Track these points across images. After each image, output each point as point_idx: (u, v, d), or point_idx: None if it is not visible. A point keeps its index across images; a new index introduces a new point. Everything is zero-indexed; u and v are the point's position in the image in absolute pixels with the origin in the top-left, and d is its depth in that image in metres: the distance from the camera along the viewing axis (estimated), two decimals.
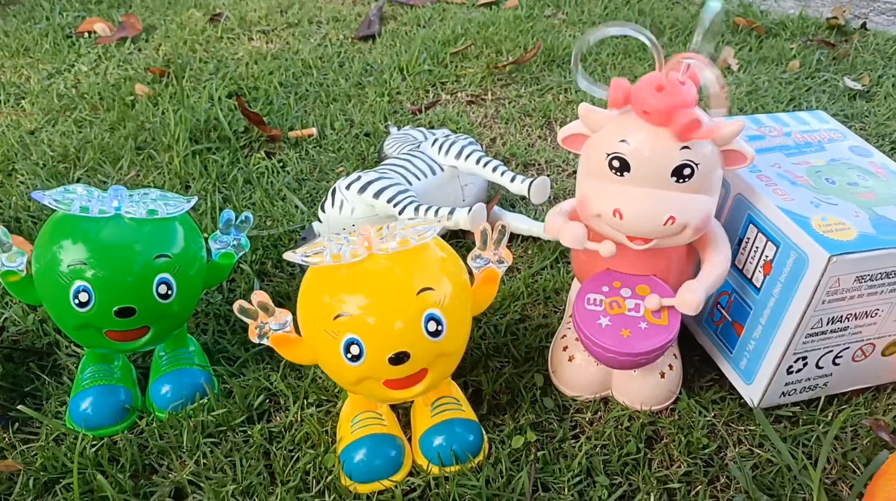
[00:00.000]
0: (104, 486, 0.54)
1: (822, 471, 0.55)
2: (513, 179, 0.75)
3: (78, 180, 0.93)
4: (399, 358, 0.49)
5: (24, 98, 1.13)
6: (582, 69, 0.52)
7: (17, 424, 0.60)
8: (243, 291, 0.74)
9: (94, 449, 0.57)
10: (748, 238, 0.58)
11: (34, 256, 0.56)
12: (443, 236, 0.72)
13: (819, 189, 0.57)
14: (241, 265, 0.77)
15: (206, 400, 0.61)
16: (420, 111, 1.10)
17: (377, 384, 0.51)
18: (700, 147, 0.51)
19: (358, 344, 0.49)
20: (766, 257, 0.56)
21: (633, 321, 0.56)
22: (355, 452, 0.54)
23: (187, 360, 0.62)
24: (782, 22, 1.41)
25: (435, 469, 0.55)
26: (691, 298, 0.54)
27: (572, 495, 0.54)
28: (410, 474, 0.55)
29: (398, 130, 0.96)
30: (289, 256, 0.49)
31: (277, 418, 0.61)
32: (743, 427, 0.60)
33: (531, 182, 0.74)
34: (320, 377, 0.64)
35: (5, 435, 0.59)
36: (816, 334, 0.55)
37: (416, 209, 0.71)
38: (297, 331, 0.53)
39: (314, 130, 1.03)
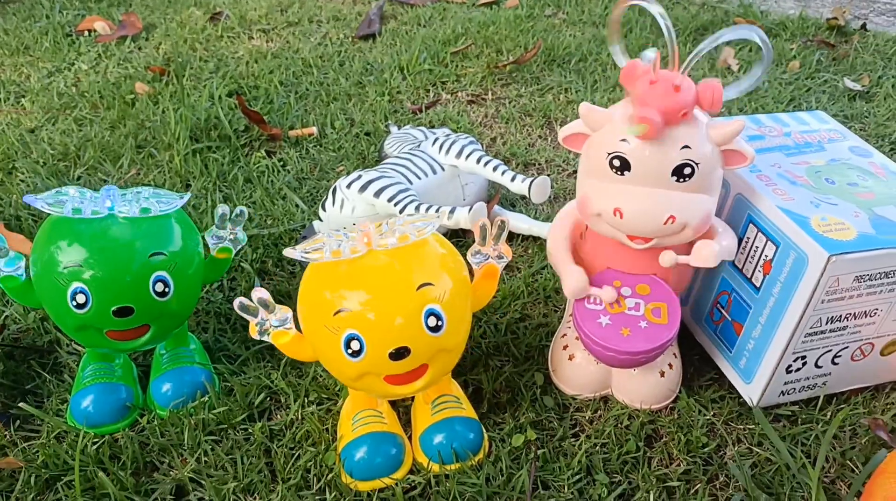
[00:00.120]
0: (105, 483, 0.54)
1: (821, 470, 0.55)
2: (513, 179, 0.76)
3: (78, 179, 0.93)
4: (399, 353, 0.49)
5: (24, 96, 1.14)
6: (619, 32, 0.52)
7: (18, 421, 0.60)
8: (244, 289, 0.74)
9: (95, 447, 0.57)
10: (748, 238, 0.58)
11: (31, 260, 0.57)
12: (443, 235, 0.72)
13: (819, 189, 0.58)
14: (241, 264, 0.77)
15: (206, 398, 0.61)
16: (420, 111, 1.10)
17: (377, 380, 0.52)
18: (700, 147, 0.51)
19: (358, 340, 0.49)
20: (766, 256, 0.56)
21: (633, 319, 0.56)
22: (356, 450, 0.54)
23: (188, 358, 0.62)
24: (782, 22, 1.41)
25: (435, 467, 0.55)
26: (708, 251, 0.54)
27: (572, 493, 0.54)
28: (411, 472, 0.56)
29: (398, 129, 0.96)
30: (288, 252, 0.49)
31: (278, 416, 0.61)
32: (742, 426, 0.60)
33: (531, 182, 0.74)
34: (321, 376, 0.64)
35: (7, 433, 0.59)
36: (815, 333, 0.55)
37: (417, 208, 0.72)
38: (298, 328, 0.54)
39: (314, 129, 1.03)
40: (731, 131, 0.52)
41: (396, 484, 0.54)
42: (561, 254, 0.59)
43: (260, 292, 0.51)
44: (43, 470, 0.55)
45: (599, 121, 0.54)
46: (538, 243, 0.82)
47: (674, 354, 0.62)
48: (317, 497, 0.54)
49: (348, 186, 0.75)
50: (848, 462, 0.57)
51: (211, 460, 0.57)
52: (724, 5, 1.51)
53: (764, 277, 0.57)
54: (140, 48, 1.31)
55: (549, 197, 0.86)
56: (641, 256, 0.57)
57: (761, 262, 0.57)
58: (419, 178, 0.77)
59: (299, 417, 0.60)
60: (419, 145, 0.84)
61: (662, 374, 0.60)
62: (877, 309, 0.56)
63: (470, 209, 0.69)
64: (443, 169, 0.80)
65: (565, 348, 0.63)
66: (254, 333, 0.53)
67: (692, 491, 0.55)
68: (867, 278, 0.53)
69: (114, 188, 0.57)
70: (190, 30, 1.38)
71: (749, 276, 0.58)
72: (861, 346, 0.58)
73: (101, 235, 0.55)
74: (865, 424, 0.60)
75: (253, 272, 0.76)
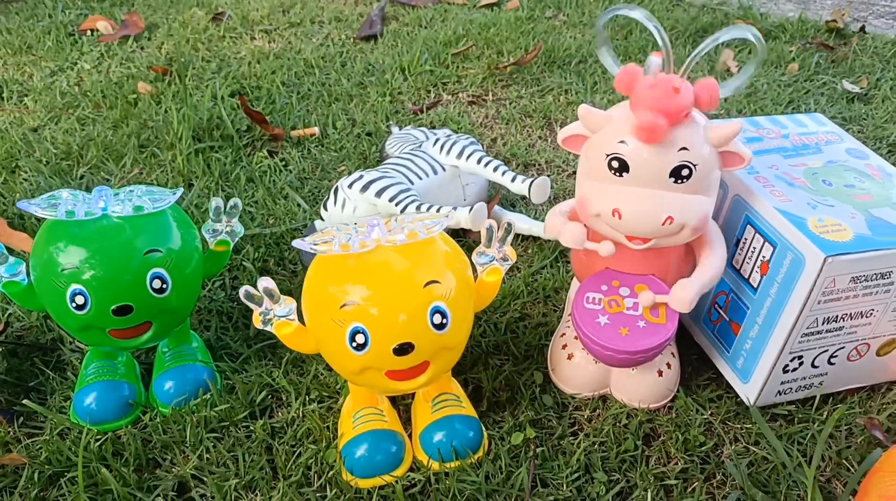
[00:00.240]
0: (108, 480, 0.54)
1: (817, 469, 0.56)
2: (513, 179, 0.76)
3: (81, 178, 0.93)
4: (403, 349, 0.50)
5: (26, 95, 1.14)
6: (606, 38, 0.53)
7: (21, 418, 0.60)
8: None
9: (98, 444, 0.57)
10: (745, 239, 0.59)
11: (31, 264, 0.57)
12: None
13: (816, 191, 0.58)
14: (243, 263, 0.78)
15: (208, 396, 0.61)
16: (421, 111, 1.11)
17: (379, 375, 0.52)
18: (698, 148, 0.52)
19: (363, 333, 0.49)
20: (763, 257, 0.57)
21: (631, 319, 0.57)
22: (356, 447, 0.54)
23: (190, 356, 0.63)
24: (781, 25, 1.42)
25: (435, 465, 0.56)
26: (684, 295, 0.55)
27: (571, 491, 0.55)
28: (411, 469, 0.56)
29: (400, 129, 0.97)
30: (298, 243, 0.50)
31: (279, 413, 0.62)
32: (739, 425, 0.61)
33: (531, 182, 0.74)
34: (322, 374, 0.64)
35: (10, 429, 0.59)
36: (812, 333, 0.56)
37: (418, 208, 0.72)
38: (301, 321, 0.54)
39: (316, 130, 1.04)
40: (728, 133, 0.52)
41: (396, 482, 0.55)
42: (558, 218, 0.59)
43: (266, 282, 0.51)
44: (46, 467, 0.56)
45: (598, 123, 0.55)
46: (538, 243, 0.82)
47: (672, 353, 0.62)
48: (317, 495, 0.55)
49: (350, 185, 0.76)
50: (844, 461, 0.58)
51: (213, 457, 0.57)
52: (724, 7, 1.51)
53: (761, 277, 0.57)
54: (142, 48, 1.32)
55: (549, 198, 0.86)
56: (640, 256, 0.57)
57: (759, 263, 0.57)
58: (420, 178, 0.78)
59: (300, 415, 0.61)
60: (420, 146, 0.84)
61: (660, 373, 0.61)
62: (873, 310, 0.56)
63: (470, 209, 0.69)
64: (444, 169, 0.80)
65: (564, 347, 0.63)
66: (257, 322, 0.53)
67: (689, 490, 0.56)
68: (863, 279, 0.53)
69: (106, 189, 0.58)
70: (192, 30, 1.38)
71: (747, 276, 0.59)
72: (857, 346, 0.59)
73: (95, 236, 0.55)
74: (861, 423, 0.60)
75: (255, 271, 0.76)
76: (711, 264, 0.56)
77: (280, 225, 0.84)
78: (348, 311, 0.49)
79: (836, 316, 0.55)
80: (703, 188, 0.54)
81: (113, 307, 0.55)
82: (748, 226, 0.58)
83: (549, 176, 0.95)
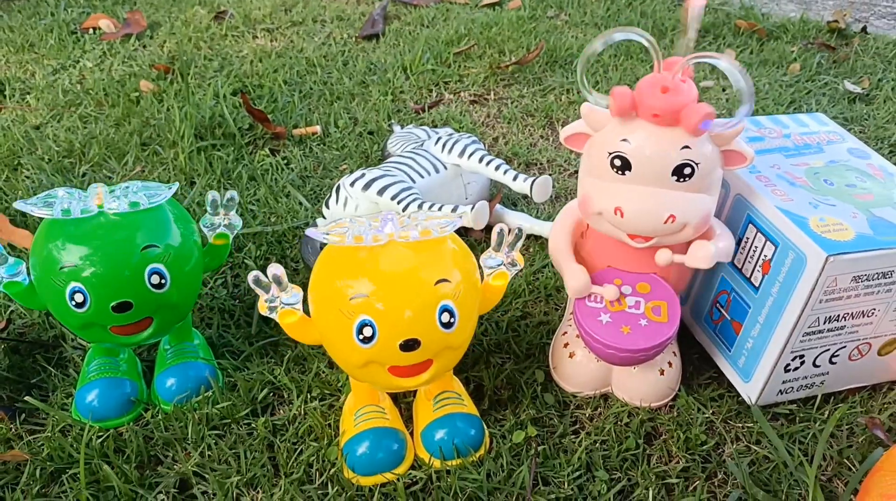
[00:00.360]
0: (110, 476, 0.54)
1: (818, 468, 0.56)
2: (515, 178, 0.76)
3: (83, 175, 0.93)
4: (409, 345, 0.50)
5: (29, 93, 1.14)
6: (587, 84, 0.53)
7: (23, 415, 0.61)
8: (247, 287, 0.75)
9: (100, 440, 0.58)
10: (747, 238, 0.59)
11: (31, 264, 0.57)
12: None
13: (817, 190, 0.58)
14: (245, 261, 0.78)
15: (210, 393, 0.61)
16: (423, 110, 1.11)
17: (382, 370, 0.52)
18: (700, 147, 0.52)
19: (371, 326, 0.49)
20: (765, 256, 0.57)
21: (633, 318, 0.57)
22: (358, 445, 0.55)
23: (192, 353, 0.63)
24: (783, 25, 1.42)
25: (437, 463, 0.56)
26: (704, 253, 0.54)
27: (572, 489, 0.55)
28: (412, 467, 0.56)
29: (402, 128, 0.97)
30: (311, 232, 0.50)
31: (281, 411, 0.62)
32: (740, 424, 0.61)
33: (533, 181, 0.74)
34: (324, 371, 0.64)
35: (12, 426, 0.59)
36: (814, 333, 0.56)
37: (420, 207, 0.72)
38: (306, 312, 0.54)
39: (318, 128, 1.04)
40: (730, 132, 0.52)
41: (398, 479, 0.55)
42: (563, 253, 0.60)
43: (275, 269, 0.51)
44: (48, 463, 0.56)
45: (600, 121, 0.55)
46: (539, 242, 0.82)
47: (673, 352, 0.62)
48: (319, 492, 0.55)
49: (352, 184, 0.76)
50: (845, 460, 0.58)
51: (214, 454, 0.57)
52: (726, 7, 1.51)
53: (763, 276, 0.57)
54: (145, 46, 1.32)
55: (551, 196, 0.86)
56: (642, 254, 0.58)
57: (760, 262, 0.57)
58: (422, 176, 0.78)
59: (302, 412, 0.61)
60: (422, 144, 0.84)
61: (662, 372, 0.61)
62: (874, 309, 0.56)
63: (472, 208, 0.69)
64: (445, 168, 0.80)
65: (566, 345, 0.63)
66: (263, 309, 0.53)
67: (691, 488, 0.56)
68: (865, 278, 0.53)
69: (101, 186, 0.58)
70: (194, 28, 1.38)
71: (748, 275, 0.59)
72: (858, 346, 0.59)
73: (92, 233, 0.55)
74: (862, 423, 0.60)
75: (257, 269, 0.76)
76: (724, 236, 0.56)
77: (282, 223, 0.84)
78: (357, 303, 0.49)
79: (838, 315, 0.55)
80: (706, 187, 0.54)
81: (112, 304, 0.55)
82: (750, 225, 0.58)
83: (550, 175, 0.95)
